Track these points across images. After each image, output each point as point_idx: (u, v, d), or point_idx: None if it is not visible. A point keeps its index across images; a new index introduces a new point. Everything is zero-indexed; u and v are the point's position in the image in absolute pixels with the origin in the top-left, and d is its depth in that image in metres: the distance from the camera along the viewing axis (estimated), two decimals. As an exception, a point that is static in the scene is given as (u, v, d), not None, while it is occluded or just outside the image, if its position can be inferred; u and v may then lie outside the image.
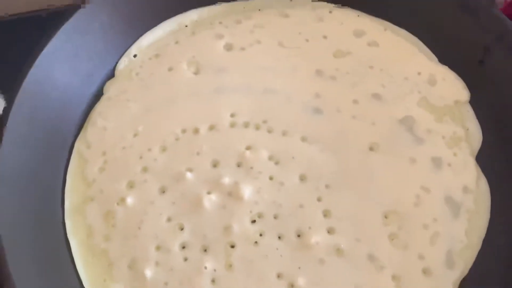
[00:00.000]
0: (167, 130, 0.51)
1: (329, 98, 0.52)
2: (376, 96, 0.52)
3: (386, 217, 0.47)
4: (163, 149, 0.50)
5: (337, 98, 0.52)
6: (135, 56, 0.55)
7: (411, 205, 0.47)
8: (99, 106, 0.53)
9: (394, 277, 0.45)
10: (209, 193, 0.48)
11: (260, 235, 0.46)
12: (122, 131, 0.51)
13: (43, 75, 0.50)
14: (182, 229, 0.47)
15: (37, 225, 0.46)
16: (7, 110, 0.47)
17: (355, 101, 0.52)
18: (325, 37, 0.56)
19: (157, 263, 0.45)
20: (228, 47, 0.55)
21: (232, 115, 0.51)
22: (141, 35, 0.56)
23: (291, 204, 0.47)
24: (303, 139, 0.50)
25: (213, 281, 0.45)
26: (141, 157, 0.50)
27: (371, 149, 0.50)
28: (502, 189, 0.49)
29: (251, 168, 0.49)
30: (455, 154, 0.50)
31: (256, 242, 0.46)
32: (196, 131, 0.51)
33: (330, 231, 0.46)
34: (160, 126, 0.51)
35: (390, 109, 0.51)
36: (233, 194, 0.48)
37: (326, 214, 0.47)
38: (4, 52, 0.62)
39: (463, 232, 0.47)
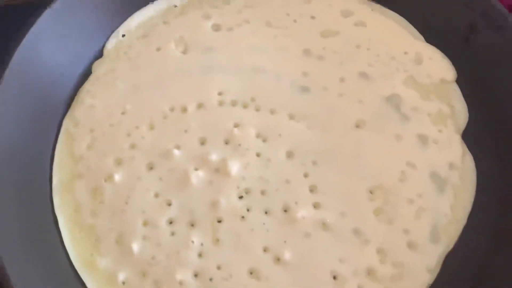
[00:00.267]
0: (155, 108, 0.51)
1: (317, 76, 0.52)
2: (363, 75, 0.52)
3: (371, 192, 0.47)
4: (151, 127, 0.50)
5: (325, 76, 0.52)
6: (123, 36, 0.55)
7: (396, 181, 0.48)
8: (87, 85, 0.53)
9: (379, 251, 0.45)
10: (196, 169, 0.48)
11: (247, 210, 0.47)
12: (110, 109, 0.51)
13: (31, 53, 0.50)
14: (169, 204, 0.47)
15: (24, 202, 0.47)
16: (-5, 87, 0.47)
17: (342, 80, 0.52)
18: (313, 17, 0.56)
19: (144, 238, 0.46)
20: (216, 27, 0.55)
21: (220, 94, 0.52)
22: (129, 15, 0.56)
23: (278, 180, 0.48)
24: (291, 117, 0.50)
25: (200, 255, 0.45)
26: (129, 135, 0.50)
27: (357, 126, 0.50)
28: (487, 166, 0.49)
29: (239, 145, 0.49)
30: (440, 131, 0.50)
31: (243, 217, 0.46)
32: (184, 109, 0.51)
33: (316, 206, 0.47)
34: (148, 104, 0.51)
35: (376, 88, 0.52)
36: (220, 170, 0.48)
37: (312, 189, 0.47)
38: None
39: (449, 207, 0.47)
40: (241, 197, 0.47)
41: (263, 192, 0.47)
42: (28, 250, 0.44)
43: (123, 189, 0.48)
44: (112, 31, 0.55)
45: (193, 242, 0.45)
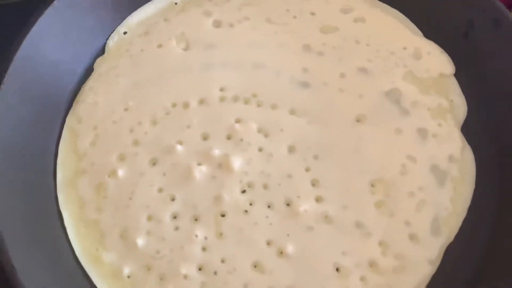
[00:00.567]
0: (158, 105, 0.51)
1: (317, 72, 0.53)
2: (363, 70, 0.53)
3: (372, 185, 0.48)
4: (154, 122, 0.51)
5: (325, 72, 0.53)
6: (125, 33, 0.56)
7: (397, 174, 0.48)
8: (90, 82, 0.53)
9: (381, 243, 0.46)
10: (199, 164, 0.48)
11: (250, 204, 0.47)
12: (113, 105, 0.52)
13: (33, 51, 0.50)
14: (173, 199, 0.47)
15: (29, 198, 0.47)
16: (-2, 85, 0.47)
17: (342, 75, 0.53)
18: (312, 13, 0.56)
19: (148, 232, 0.46)
20: (217, 24, 0.56)
21: (221, 90, 0.52)
22: (131, 12, 0.56)
23: (280, 174, 0.48)
24: (292, 112, 0.51)
25: (204, 248, 0.46)
26: (131, 131, 0.50)
27: (358, 120, 0.50)
28: (486, 159, 0.50)
29: (241, 140, 0.49)
30: (440, 125, 0.51)
31: (246, 211, 0.47)
32: (186, 105, 0.51)
33: (318, 199, 0.47)
34: (151, 101, 0.52)
35: (376, 82, 0.52)
36: (223, 165, 0.48)
37: (314, 183, 0.48)
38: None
39: (449, 200, 0.48)
40: (244, 192, 0.48)
41: (265, 187, 0.48)
42: (34, 246, 0.45)
43: (127, 184, 0.48)
44: (114, 29, 0.56)
45: (197, 236, 0.46)
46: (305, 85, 0.52)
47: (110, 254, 0.46)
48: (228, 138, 0.50)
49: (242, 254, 0.45)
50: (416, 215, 0.47)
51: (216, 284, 0.45)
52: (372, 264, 0.45)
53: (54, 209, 0.48)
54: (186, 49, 0.54)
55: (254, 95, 0.52)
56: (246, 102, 0.51)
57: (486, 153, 0.50)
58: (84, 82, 0.53)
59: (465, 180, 0.49)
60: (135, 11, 0.57)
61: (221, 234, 0.46)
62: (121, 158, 0.49)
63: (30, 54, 0.50)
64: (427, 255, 0.46)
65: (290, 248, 0.45)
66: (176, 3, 0.57)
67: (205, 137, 0.50)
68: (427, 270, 0.45)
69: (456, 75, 0.53)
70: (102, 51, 0.55)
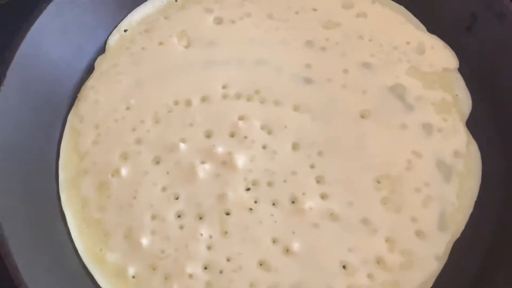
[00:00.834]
0: (160, 102, 0.51)
1: (320, 68, 0.52)
2: (366, 65, 0.52)
3: (378, 181, 0.48)
4: (156, 121, 0.50)
5: (328, 68, 0.52)
6: (125, 31, 0.55)
7: (403, 170, 0.48)
8: (91, 80, 0.53)
9: (387, 240, 0.46)
10: (203, 162, 0.48)
11: (255, 202, 0.47)
12: (114, 104, 0.51)
13: (33, 50, 0.50)
14: (177, 198, 0.47)
15: (32, 199, 0.47)
16: (-2, 85, 0.47)
17: (345, 71, 0.52)
18: (314, 9, 0.56)
19: (153, 232, 0.46)
20: (218, 21, 0.55)
21: (224, 87, 0.52)
22: (131, 10, 0.56)
23: (285, 171, 0.48)
24: (295, 108, 0.50)
25: (209, 247, 0.45)
26: (134, 129, 0.50)
27: (362, 116, 0.50)
28: (492, 153, 0.49)
29: (245, 137, 0.49)
30: (445, 120, 0.50)
31: (251, 209, 0.46)
32: (189, 103, 0.51)
33: (323, 196, 0.47)
34: (152, 99, 0.51)
35: (380, 78, 0.52)
36: (227, 163, 0.48)
37: (319, 180, 0.48)
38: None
39: (455, 195, 0.48)
40: (248, 189, 0.47)
41: (270, 184, 0.47)
42: (38, 246, 0.44)
43: (130, 183, 0.48)
44: (114, 27, 0.55)
45: (201, 235, 0.45)
46: (308, 81, 0.52)
47: (114, 254, 0.46)
48: (232, 135, 0.49)
49: (248, 252, 0.45)
50: (422, 211, 0.47)
51: (222, 283, 0.44)
52: (379, 261, 0.45)
53: (57, 209, 0.48)
54: (187, 46, 0.54)
55: (257, 92, 0.51)
56: (249, 99, 0.51)
57: (491, 147, 0.50)
58: (85, 81, 0.53)
59: (471, 174, 0.49)
60: (136, 9, 0.56)
61: (226, 232, 0.46)
62: (124, 157, 0.49)
63: (30, 53, 0.49)
64: (434, 251, 0.45)
65: (295, 246, 0.45)
66: (176, 1, 0.57)
67: (208, 135, 0.49)
68: (434, 266, 0.45)
69: (460, 69, 0.53)
70: (102, 50, 0.54)
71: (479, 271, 0.46)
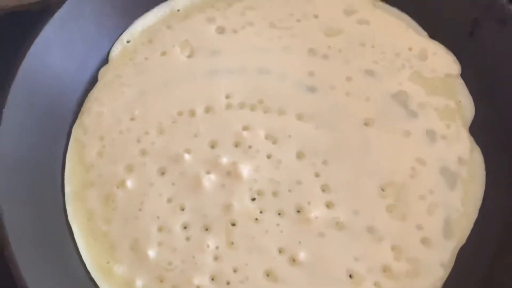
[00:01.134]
0: (164, 113, 0.51)
1: (323, 76, 0.52)
2: (369, 72, 0.53)
3: (383, 189, 0.48)
4: (161, 131, 0.50)
5: (331, 75, 0.52)
6: (128, 42, 0.55)
7: (407, 177, 0.48)
8: (95, 92, 0.53)
9: (393, 248, 0.46)
10: (208, 173, 0.48)
11: (260, 212, 0.47)
12: (119, 115, 0.51)
13: (37, 63, 0.50)
14: (182, 209, 0.47)
15: (38, 211, 0.47)
16: (3, 98, 0.47)
17: (349, 78, 0.52)
18: (316, 16, 0.56)
19: (159, 244, 0.46)
20: (220, 30, 0.55)
21: (227, 97, 0.52)
22: (133, 20, 0.56)
23: (290, 181, 0.48)
24: (299, 117, 0.51)
25: (216, 258, 0.45)
26: (138, 140, 0.50)
27: (366, 124, 0.50)
28: (495, 158, 0.50)
29: (249, 147, 0.49)
30: (448, 126, 0.50)
31: (256, 219, 0.47)
32: (193, 113, 0.51)
33: (328, 205, 0.47)
34: (156, 110, 0.51)
35: (383, 85, 0.52)
36: (232, 173, 0.48)
37: (324, 189, 0.48)
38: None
39: (460, 202, 0.48)
40: (253, 199, 0.47)
41: (275, 194, 0.47)
42: (45, 259, 0.44)
43: (136, 195, 0.48)
44: (117, 38, 0.55)
45: (208, 246, 0.46)
46: (312, 89, 0.52)
47: (121, 266, 0.46)
48: (236, 145, 0.49)
49: (254, 262, 0.45)
50: (427, 218, 0.47)
51: (229, 294, 0.44)
52: (385, 269, 0.45)
53: (63, 221, 0.48)
54: (190, 56, 0.54)
55: (261, 101, 0.51)
56: (253, 108, 0.51)
57: (495, 152, 0.50)
58: (89, 92, 0.53)
59: (475, 181, 0.49)
60: (138, 19, 0.56)
61: (232, 243, 0.46)
62: (129, 168, 0.49)
63: (34, 67, 0.49)
64: (440, 258, 0.46)
65: (302, 256, 0.45)
66: (178, 10, 0.57)
67: (212, 145, 0.50)
68: (440, 273, 0.45)
69: (463, 75, 0.53)
70: (105, 61, 0.55)
71: (485, 276, 0.46)
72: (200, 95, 0.52)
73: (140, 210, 0.47)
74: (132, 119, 0.51)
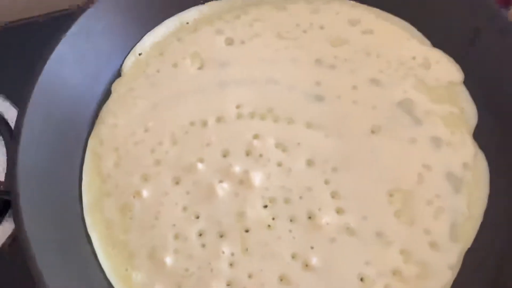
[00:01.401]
0: (176, 124, 0.53)
1: (330, 85, 0.54)
2: (375, 81, 0.54)
3: (391, 195, 0.49)
4: (174, 142, 0.52)
5: (337, 85, 0.54)
6: (140, 54, 0.57)
7: (414, 183, 0.49)
8: (109, 105, 0.54)
9: (402, 252, 0.47)
10: (221, 181, 0.50)
11: (273, 219, 0.48)
12: (133, 127, 0.53)
13: (53, 79, 0.51)
14: (197, 217, 0.49)
15: (59, 222, 0.48)
16: (22, 112, 0.48)
17: (355, 87, 0.54)
18: (321, 27, 0.57)
19: (176, 251, 0.47)
20: (229, 42, 0.57)
21: (237, 107, 0.53)
22: (144, 34, 0.57)
23: (300, 188, 0.49)
24: (308, 126, 0.52)
25: (231, 264, 0.47)
26: (153, 151, 0.52)
27: (372, 132, 0.52)
28: (499, 163, 0.51)
29: (260, 156, 0.51)
30: (453, 133, 0.52)
31: (269, 225, 0.48)
32: (204, 123, 0.53)
33: (339, 211, 0.48)
34: (169, 120, 0.53)
35: (388, 93, 0.53)
36: (244, 181, 0.50)
37: (334, 195, 0.49)
38: (5, 60, 0.64)
39: (465, 206, 0.49)
40: (265, 207, 0.49)
41: (286, 201, 0.49)
42: (66, 269, 0.46)
43: (152, 204, 0.49)
44: (129, 51, 0.57)
45: (223, 252, 0.47)
46: (319, 98, 0.53)
47: (140, 274, 0.47)
48: (247, 154, 0.51)
49: (268, 268, 0.46)
50: (434, 222, 0.48)
51: (245, 299, 0.46)
52: (395, 273, 0.46)
53: (82, 231, 0.49)
54: (200, 67, 0.56)
55: (270, 111, 0.53)
56: (263, 118, 0.53)
57: (498, 156, 0.51)
58: (103, 105, 0.54)
59: (480, 185, 0.50)
60: (148, 33, 0.58)
61: (246, 249, 0.47)
62: (145, 178, 0.50)
63: (50, 81, 0.51)
64: (447, 261, 0.47)
65: (314, 260, 0.47)
66: (187, 23, 0.58)
67: (224, 154, 0.51)
68: (448, 276, 0.47)
69: (465, 82, 0.54)
70: (118, 73, 0.56)
71: (492, 278, 0.47)
72: (211, 106, 0.53)
73: (156, 218, 0.49)
74: (146, 130, 0.53)
